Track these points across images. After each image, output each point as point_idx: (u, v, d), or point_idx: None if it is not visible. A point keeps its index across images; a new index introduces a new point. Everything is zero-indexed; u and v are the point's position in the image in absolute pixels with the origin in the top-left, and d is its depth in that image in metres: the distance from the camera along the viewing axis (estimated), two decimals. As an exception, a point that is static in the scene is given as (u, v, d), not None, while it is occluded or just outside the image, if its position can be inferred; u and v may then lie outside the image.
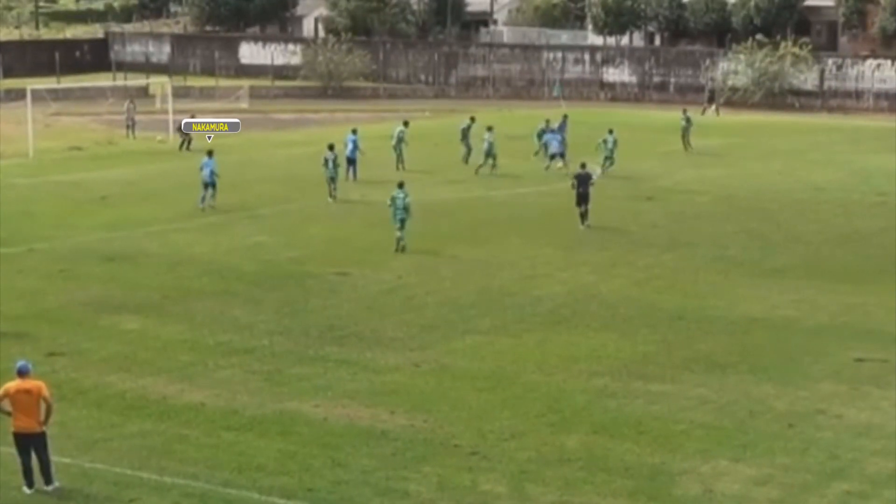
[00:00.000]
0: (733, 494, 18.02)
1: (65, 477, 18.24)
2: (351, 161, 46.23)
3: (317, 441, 19.97)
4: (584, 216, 37.85)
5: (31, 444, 17.78)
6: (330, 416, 21.11)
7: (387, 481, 18.38)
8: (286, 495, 17.86)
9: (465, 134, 51.79)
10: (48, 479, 17.91)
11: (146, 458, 19.17)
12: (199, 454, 19.36)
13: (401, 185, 35.38)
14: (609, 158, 48.68)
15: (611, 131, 49.54)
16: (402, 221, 34.53)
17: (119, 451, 19.49)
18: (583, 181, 38.05)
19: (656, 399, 22.07)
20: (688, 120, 57.11)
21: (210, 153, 41.41)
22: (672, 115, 66.33)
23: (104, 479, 18.41)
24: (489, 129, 49.03)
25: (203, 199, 40.43)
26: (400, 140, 49.51)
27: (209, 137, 53.76)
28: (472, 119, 53.51)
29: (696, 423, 20.90)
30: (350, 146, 46.40)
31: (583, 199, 37.83)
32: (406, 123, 50.96)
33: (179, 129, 56.94)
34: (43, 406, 17.77)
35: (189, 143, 56.05)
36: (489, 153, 48.29)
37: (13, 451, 18.01)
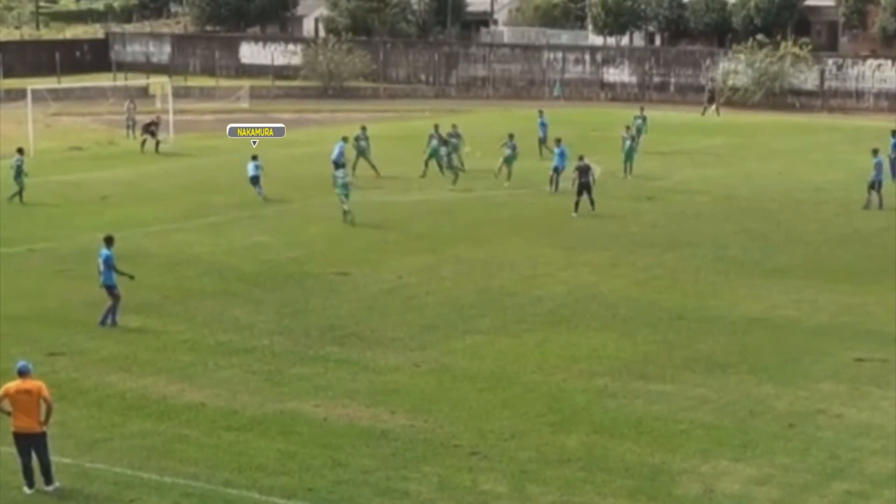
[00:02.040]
0: (733, 494, 18.02)
1: (65, 477, 18.24)
2: (338, 165, 45.89)
3: (317, 441, 19.97)
4: (585, 204, 39.66)
5: (31, 444, 17.78)
6: (330, 416, 21.11)
7: (387, 481, 18.38)
8: (286, 495, 17.86)
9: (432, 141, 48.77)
10: (48, 480, 17.92)
11: (146, 458, 19.17)
12: (199, 454, 19.36)
13: (342, 166, 40.17)
14: (631, 149, 48.64)
15: (627, 128, 49.74)
16: (346, 196, 38.69)
17: (119, 451, 19.49)
18: (583, 172, 40.05)
19: (656, 399, 22.07)
20: (644, 119, 56.96)
21: (255, 157, 43.34)
22: (671, 115, 66.48)
23: (104, 479, 18.41)
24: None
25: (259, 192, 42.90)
26: (361, 142, 48.44)
27: (254, 143, 53.22)
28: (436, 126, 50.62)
29: (697, 423, 20.90)
30: (336, 152, 46.08)
31: (584, 188, 39.86)
32: (364, 128, 49.56)
33: (144, 129, 56.21)
34: (43, 406, 17.77)
35: (157, 144, 55.50)
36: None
37: (13, 451, 18.01)
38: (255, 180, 42.81)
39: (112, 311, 26.51)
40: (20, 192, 42.10)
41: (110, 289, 26.51)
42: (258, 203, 41.69)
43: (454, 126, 49.85)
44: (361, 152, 48.42)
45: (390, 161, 49.77)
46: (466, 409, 21.55)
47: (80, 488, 18.08)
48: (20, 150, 43.78)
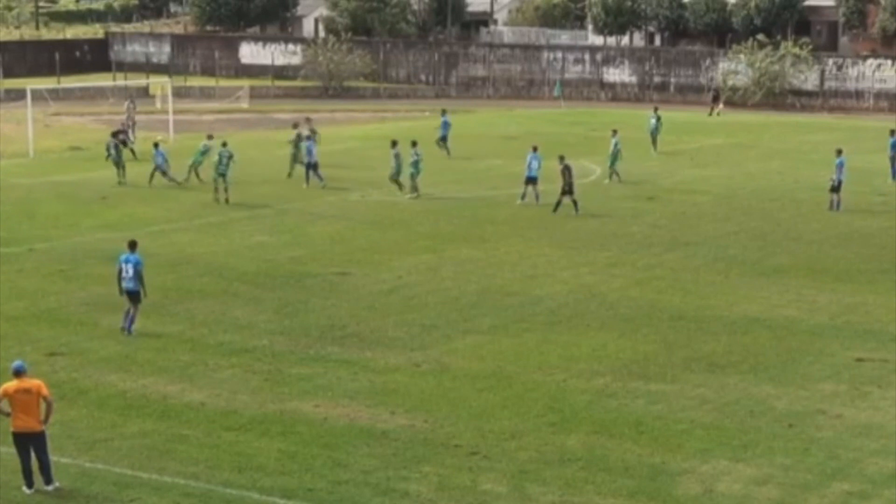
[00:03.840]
0: (733, 494, 18.03)
1: (65, 477, 18.24)
2: (312, 166, 45.40)
3: (317, 441, 19.98)
4: (574, 204, 39.61)
5: (30, 443, 17.78)
6: (330, 416, 21.12)
7: (387, 481, 18.39)
8: (286, 495, 17.87)
9: (296, 144, 47.52)
10: (48, 479, 17.92)
11: (146, 458, 19.18)
12: (199, 454, 19.36)
13: (224, 144, 42.45)
14: (614, 159, 46.69)
15: (615, 132, 48.35)
16: (224, 176, 41.51)
17: (119, 451, 19.49)
18: (568, 172, 39.90)
19: (656, 399, 22.07)
20: (658, 119, 56.73)
21: (156, 145, 46.41)
22: (673, 115, 66.44)
23: (104, 479, 18.41)
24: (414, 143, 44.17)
25: (151, 178, 45.60)
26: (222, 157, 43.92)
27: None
28: (313, 131, 49.29)
29: (697, 423, 20.90)
30: (312, 152, 45.64)
31: (570, 189, 39.74)
32: (210, 137, 47.22)
33: (113, 137, 54.56)
34: (43, 405, 17.78)
35: (129, 153, 54.15)
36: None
37: (13, 451, 18.01)
38: (159, 170, 45.21)
39: (132, 318, 26.21)
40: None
41: (137, 295, 26.14)
42: (258, 203, 41.66)
43: (308, 120, 51.14)
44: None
45: (378, 161, 49.64)
46: (466, 409, 21.55)
47: (80, 488, 18.08)
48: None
